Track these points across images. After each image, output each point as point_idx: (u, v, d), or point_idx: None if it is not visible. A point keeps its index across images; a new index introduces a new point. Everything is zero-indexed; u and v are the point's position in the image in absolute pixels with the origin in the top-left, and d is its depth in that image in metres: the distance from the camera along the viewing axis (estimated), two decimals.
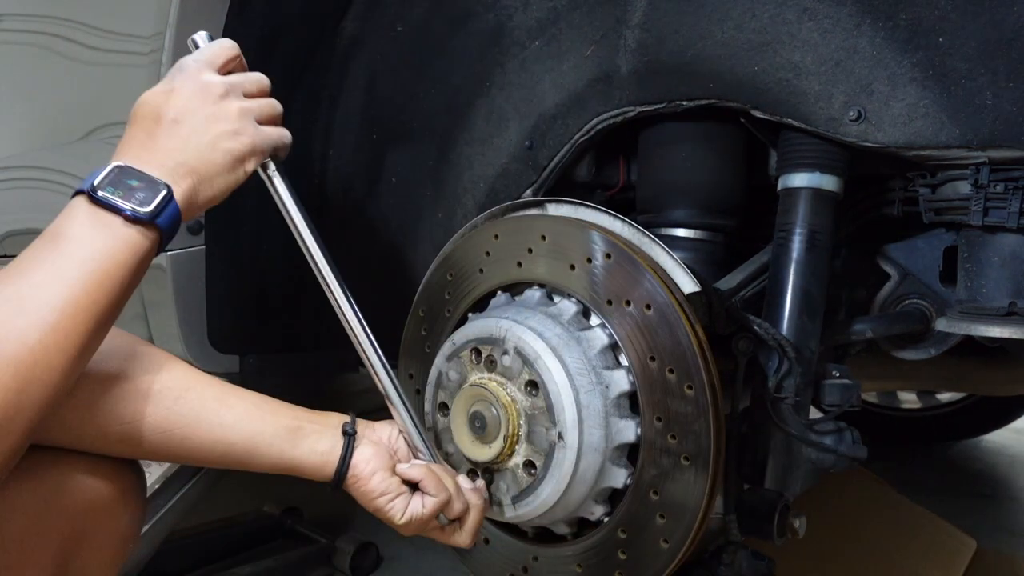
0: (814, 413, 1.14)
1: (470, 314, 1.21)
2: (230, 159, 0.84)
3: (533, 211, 1.20)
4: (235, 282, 1.44)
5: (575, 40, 1.24)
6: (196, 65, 0.86)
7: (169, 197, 0.78)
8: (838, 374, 1.12)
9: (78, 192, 0.76)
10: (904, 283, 1.29)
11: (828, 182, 1.12)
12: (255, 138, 0.86)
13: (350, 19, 1.43)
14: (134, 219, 0.76)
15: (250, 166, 0.87)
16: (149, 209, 0.76)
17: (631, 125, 1.25)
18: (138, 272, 0.78)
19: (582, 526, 1.11)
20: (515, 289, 1.17)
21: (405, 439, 1.00)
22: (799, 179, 1.13)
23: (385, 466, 0.94)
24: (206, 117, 0.83)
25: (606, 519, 1.07)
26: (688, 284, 1.05)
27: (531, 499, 1.05)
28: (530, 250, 1.12)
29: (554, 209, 1.18)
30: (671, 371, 0.99)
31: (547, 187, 1.33)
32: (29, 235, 1.75)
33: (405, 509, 0.93)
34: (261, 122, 0.88)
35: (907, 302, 1.30)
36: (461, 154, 1.42)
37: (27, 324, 0.68)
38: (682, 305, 1.00)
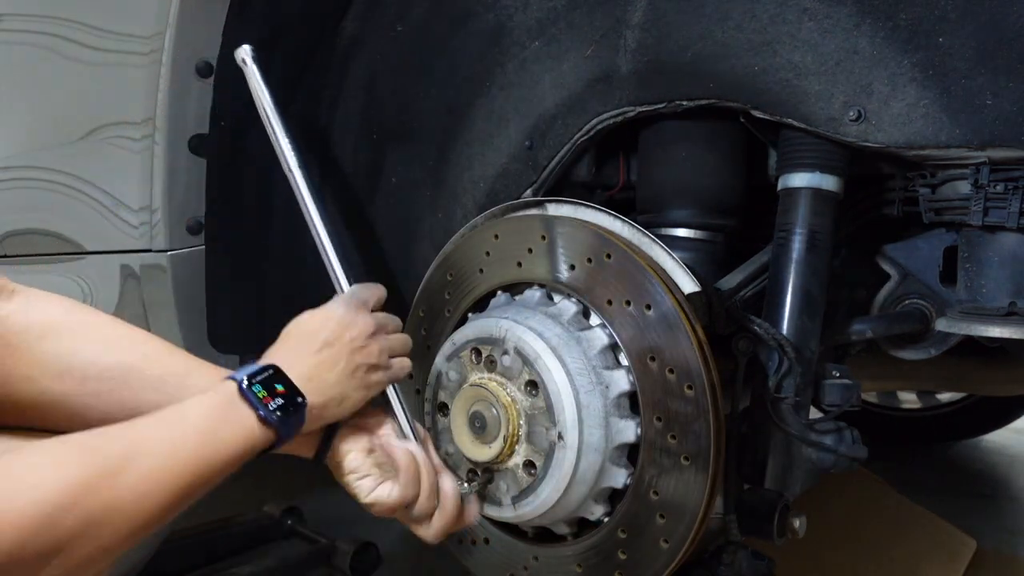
0: (814, 413, 1.14)
1: (470, 314, 1.21)
2: (362, 387, 0.95)
3: (533, 211, 1.20)
4: (235, 282, 1.44)
5: (575, 40, 1.24)
6: (355, 301, 0.98)
7: (302, 409, 0.85)
8: (838, 374, 1.12)
9: (231, 378, 0.83)
10: (904, 283, 1.29)
11: (828, 182, 1.12)
12: (388, 373, 0.98)
13: (350, 19, 1.43)
14: (265, 420, 0.81)
15: (376, 393, 0.98)
16: (281, 416, 0.82)
17: (631, 125, 1.25)
18: (239, 464, 0.81)
19: (582, 526, 1.11)
20: (515, 289, 1.17)
21: (394, 423, 1.02)
22: (799, 179, 1.12)
23: (360, 447, 0.97)
24: (354, 349, 0.93)
25: (606, 519, 1.07)
26: (688, 284, 1.05)
27: (531, 499, 1.05)
28: (530, 250, 1.12)
29: (554, 209, 1.18)
30: (671, 371, 0.99)
31: (547, 187, 1.33)
32: (29, 235, 1.75)
33: (372, 490, 0.95)
34: (393, 356, 0.99)
35: (907, 302, 1.30)
36: (461, 154, 1.42)
37: (119, 490, 0.69)
38: (682, 305, 1.00)
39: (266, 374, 0.84)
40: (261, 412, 0.80)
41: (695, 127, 1.24)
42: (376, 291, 1.03)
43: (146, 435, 0.74)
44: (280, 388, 0.83)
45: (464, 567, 1.25)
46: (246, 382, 0.81)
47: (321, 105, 1.47)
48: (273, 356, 0.89)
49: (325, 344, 0.91)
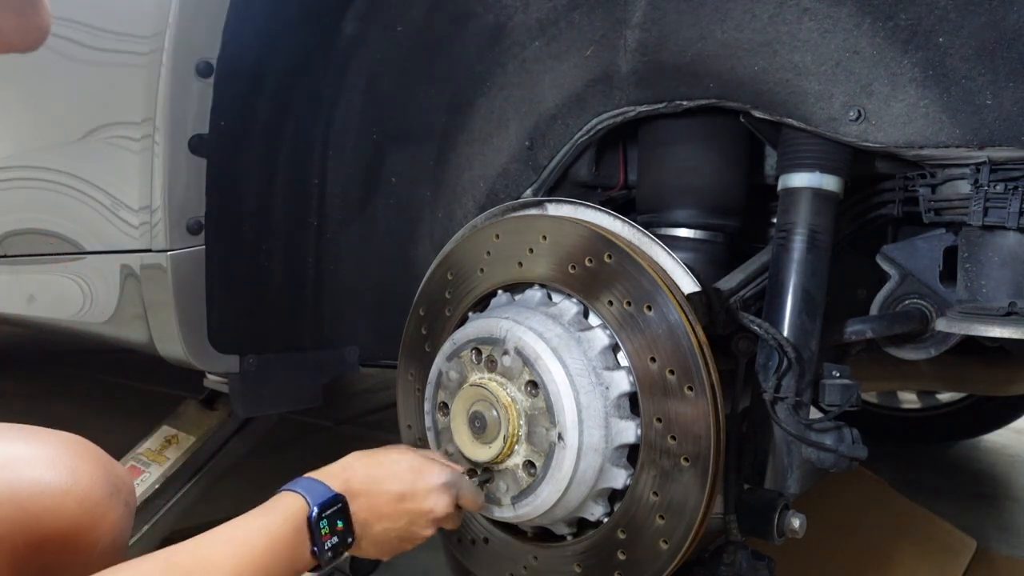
0: (814, 413, 1.14)
1: (470, 314, 1.21)
2: (400, 548, 0.96)
3: (533, 211, 1.20)
4: (235, 282, 1.44)
5: (575, 40, 1.24)
6: (452, 484, 0.98)
7: (347, 548, 0.88)
8: (838, 374, 1.12)
9: (301, 494, 0.85)
10: (904, 283, 1.29)
11: (828, 182, 1.12)
12: (422, 541, 0.98)
13: (350, 19, 1.43)
14: (316, 555, 0.84)
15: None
16: (331, 556, 0.85)
17: (631, 125, 1.25)
18: None
19: (582, 526, 1.11)
20: (516, 289, 1.17)
21: None
22: (799, 179, 1.12)
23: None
24: (418, 520, 0.95)
25: (606, 519, 1.07)
26: (688, 284, 1.05)
27: (531, 499, 1.05)
28: (531, 250, 1.12)
29: (554, 209, 1.18)
30: (671, 372, 0.99)
31: (547, 187, 1.33)
32: (29, 235, 1.75)
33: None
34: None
35: (907, 302, 1.29)
36: (461, 154, 1.42)
37: None
38: (682, 305, 1.00)
39: (335, 508, 0.86)
40: (316, 548, 0.83)
41: (695, 127, 1.24)
42: (477, 498, 1.04)
43: (215, 554, 0.76)
44: (340, 525, 0.86)
45: (464, 567, 1.25)
46: (316, 513, 0.83)
47: (321, 105, 1.47)
48: (351, 477, 0.90)
49: (402, 498, 0.93)
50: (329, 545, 0.84)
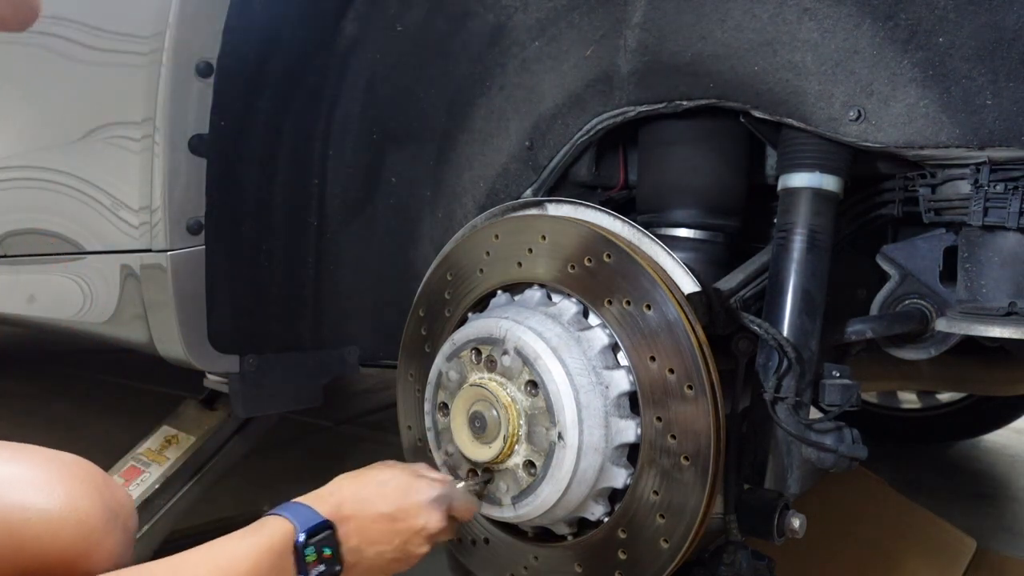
0: (814, 413, 1.14)
1: (470, 314, 1.21)
2: (393, 569, 0.95)
3: (533, 211, 1.20)
4: (235, 282, 1.44)
5: (575, 40, 1.24)
6: (446, 499, 0.98)
7: None
8: (838, 374, 1.12)
9: (289, 519, 0.84)
10: (904, 283, 1.29)
11: (828, 182, 1.12)
12: (417, 559, 0.97)
13: (350, 19, 1.43)
14: None
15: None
16: None
17: (631, 125, 1.25)
18: None
19: (582, 526, 1.11)
20: (515, 289, 1.17)
21: None
22: (799, 179, 1.13)
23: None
24: (412, 539, 0.94)
25: (606, 519, 1.07)
26: (688, 284, 1.05)
27: (531, 499, 1.05)
28: (530, 250, 1.12)
29: (554, 209, 1.18)
30: (671, 371, 0.99)
31: (547, 187, 1.33)
32: (29, 235, 1.75)
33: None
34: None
35: (907, 302, 1.30)
36: (461, 154, 1.42)
37: None
38: (682, 305, 1.00)
39: (323, 534, 0.85)
40: None
41: (695, 127, 1.24)
42: (470, 508, 1.04)
43: (195, 574, 0.76)
44: (327, 552, 0.85)
45: (464, 567, 1.25)
46: (303, 539, 0.82)
47: (321, 105, 1.47)
48: (340, 502, 0.89)
49: (392, 519, 0.92)
50: (315, 573, 0.83)
